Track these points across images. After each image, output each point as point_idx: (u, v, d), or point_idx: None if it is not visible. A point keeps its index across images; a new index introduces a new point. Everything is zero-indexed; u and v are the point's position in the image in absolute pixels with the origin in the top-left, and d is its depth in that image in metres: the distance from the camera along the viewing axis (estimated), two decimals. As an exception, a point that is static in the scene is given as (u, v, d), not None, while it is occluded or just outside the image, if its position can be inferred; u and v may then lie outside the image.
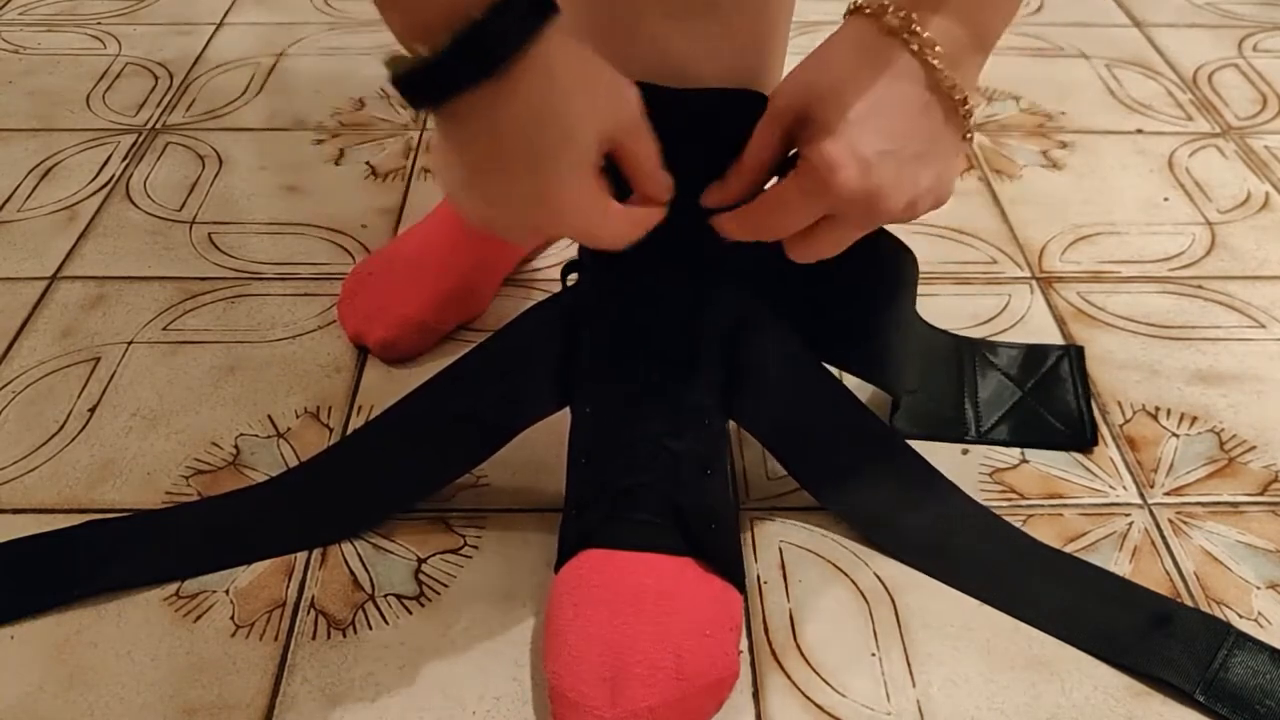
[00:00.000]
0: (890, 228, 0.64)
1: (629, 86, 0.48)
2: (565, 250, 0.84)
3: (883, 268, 0.66)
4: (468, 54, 0.42)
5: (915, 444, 0.66)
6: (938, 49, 0.48)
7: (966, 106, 0.49)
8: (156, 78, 1.09)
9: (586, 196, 0.47)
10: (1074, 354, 0.76)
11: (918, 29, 0.48)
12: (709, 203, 0.54)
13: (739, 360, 0.60)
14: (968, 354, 0.75)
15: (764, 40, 0.54)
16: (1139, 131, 1.02)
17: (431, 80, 0.43)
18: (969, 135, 0.51)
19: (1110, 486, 0.67)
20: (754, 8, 0.53)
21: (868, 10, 0.49)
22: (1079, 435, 0.70)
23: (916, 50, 0.48)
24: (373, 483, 0.65)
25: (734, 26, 0.52)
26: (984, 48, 0.50)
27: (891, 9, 0.48)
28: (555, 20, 0.43)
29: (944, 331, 0.77)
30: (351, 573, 0.62)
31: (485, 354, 0.63)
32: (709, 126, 0.53)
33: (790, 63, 0.59)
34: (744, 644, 0.58)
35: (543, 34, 0.43)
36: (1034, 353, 0.76)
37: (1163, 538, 0.64)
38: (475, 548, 0.63)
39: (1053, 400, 0.72)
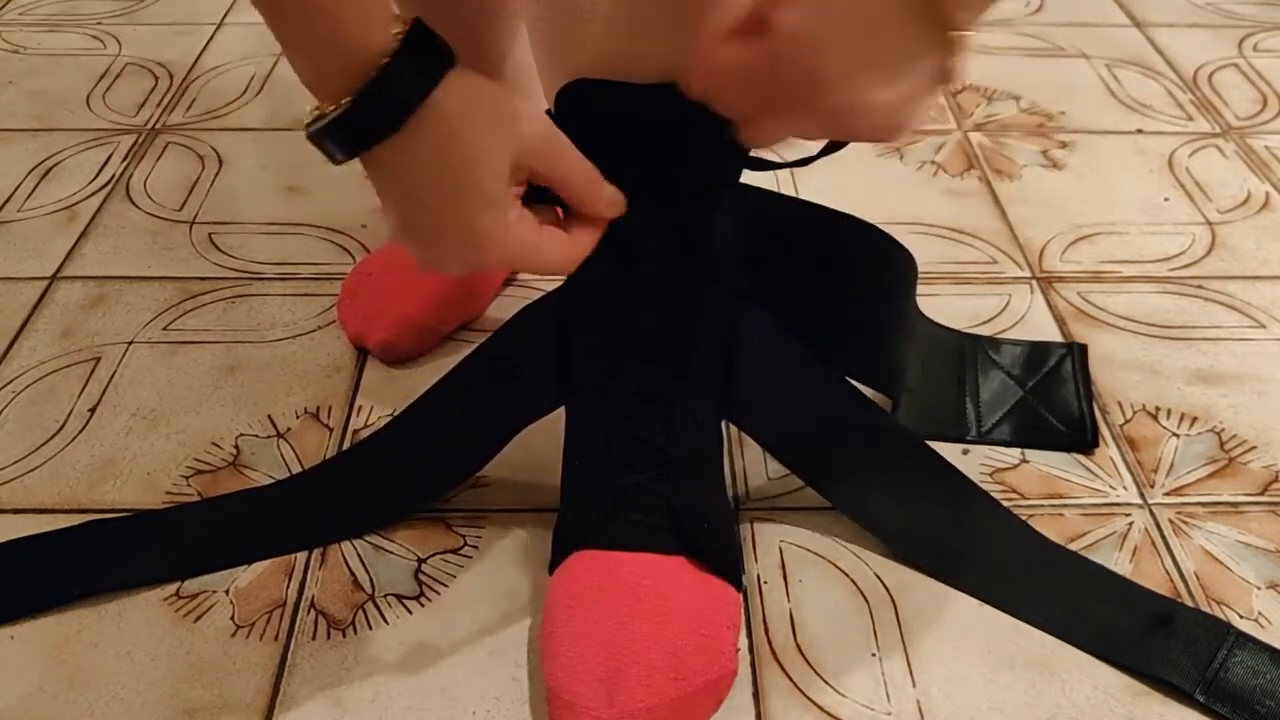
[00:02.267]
0: (889, 228, 0.64)
1: (534, 113, 0.49)
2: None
3: (879, 270, 0.66)
4: (367, 111, 0.45)
5: (915, 444, 0.66)
6: None
7: (957, 10, 0.42)
8: (156, 78, 1.09)
9: (509, 229, 0.48)
10: (1077, 352, 0.76)
11: None
12: None
13: (734, 359, 0.60)
14: (970, 352, 0.75)
15: None
16: (1139, 131, 1.02)
17: (339, 135, 0.46)
18: (955, 53, 0.44)
19: (1110, 486, 0.67)
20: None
21: None
22: (1080, 437, 0.70)
23: None
24: (375, 488, 0.65)
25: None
26: None
27: None
28: (451, 66, 0.46)
29: (947, 329, 0.77)
30: (351, 573, 0.62)
31: (481, 357, 0.63)
32: (685, 124, 0.53)
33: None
34: (744, 644, 0.58)
35: (439, 83, 0.45)
36: (1037, 350, 0.76)
37: (1163, 538, 0.64)
38: (475, 548, 0.63)
39: (1054, 400, 0.72)
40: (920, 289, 0.69)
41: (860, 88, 0.44)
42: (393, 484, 0.65)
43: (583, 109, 0.54)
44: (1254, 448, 0.70)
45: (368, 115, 0.45)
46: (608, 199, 0.52)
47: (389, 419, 0.68)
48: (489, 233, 0.48)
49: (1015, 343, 0.76)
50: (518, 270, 0.51)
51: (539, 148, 0.49)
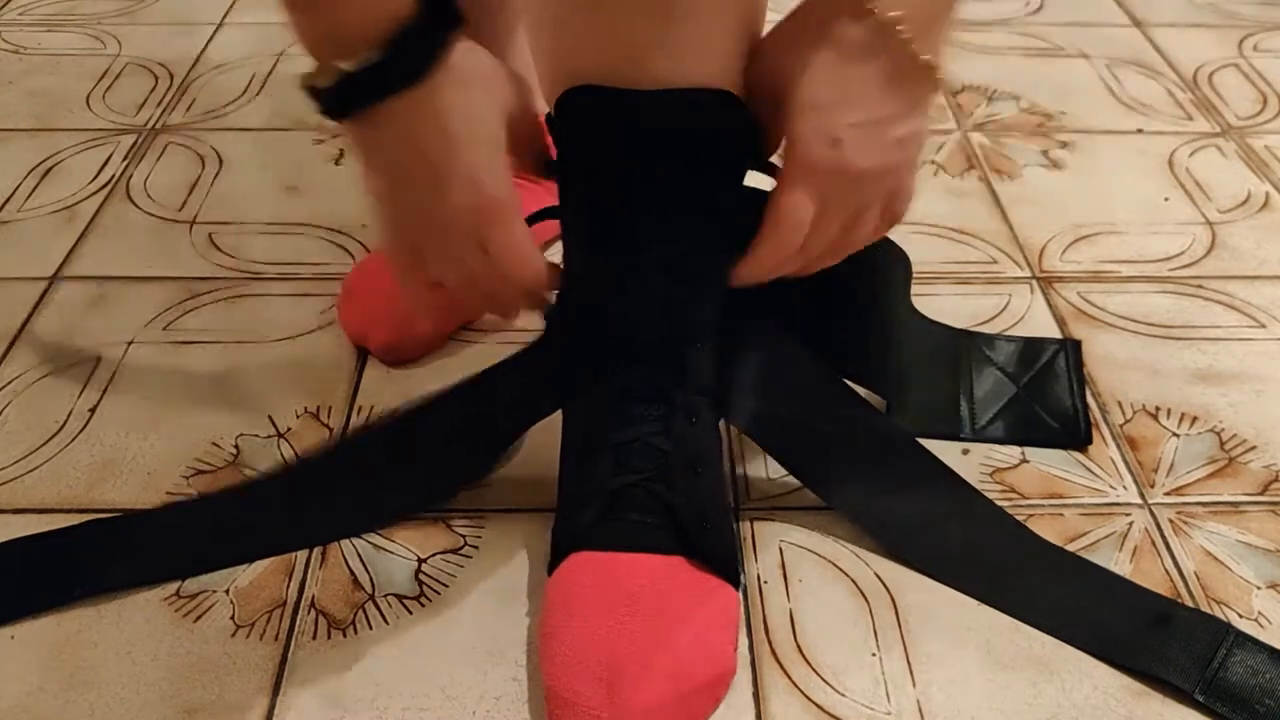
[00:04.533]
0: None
1: (517, 75, 0.53)
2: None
3: (873, 270, 0.66)
4: (395, 63, 0.47)
5: (914, 443, 0.66)
6: (901, 26, 0.48)
7: (934, 70, 0.50)
8: (156, 78, 1.09)
9: (504, 168, 0.51)
10: (1070, 348, 0.76)
11: (877, 9, 0.48)
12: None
13: (730, 358, 0.60)
14: (965, 349, 0.75)
15: (740, 40, 0.54)
16: (1139, 131, 1.02)
17: (356, 90, 0.48)
18: (938, 91, 0.52)
19: (1110, 486, 0.67)
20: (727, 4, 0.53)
21: None
22: (1073, 432, 0.70)
23: (879, 29, 0.49)
24: (376, 489, 0.65)
25: (707, 23, 0.51)
26: (950, 8, 0.50)
27: None
28: (462, 25, 0.49)
29: (942, 326, 0.76)
30: (351, 573, 0.62)
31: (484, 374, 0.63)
32: (686, 131, 0.53)
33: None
34: (744, 644, 0.58)
35: (454, 39, 0.48)
36: (1031, 346, 0.76)
37: (1163, 537, 0.64)
38: (475, 548, 0.63)
39: (1047, 397, 0.72)
40: (920, 289, 0.69)
41: (876, 150, 0.51)
42: (395, 485, 0.65)
43: (584, 115, 0.54)
44: (1254, 448, 0.70)
45: (394, 68, 0.47)
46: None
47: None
48: (488, 167, 0.50)
49: (1009, 339, 0.76)
50: (498, 230, 0.52)
51: (519, 106, 0.53)
